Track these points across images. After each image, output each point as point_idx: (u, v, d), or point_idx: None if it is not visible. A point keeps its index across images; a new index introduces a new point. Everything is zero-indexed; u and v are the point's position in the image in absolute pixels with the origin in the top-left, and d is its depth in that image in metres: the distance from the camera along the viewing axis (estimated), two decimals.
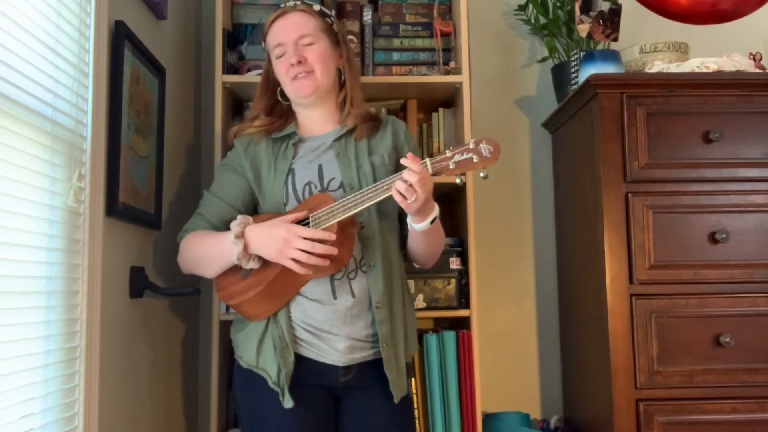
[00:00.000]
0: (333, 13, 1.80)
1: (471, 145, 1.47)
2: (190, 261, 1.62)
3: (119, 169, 1.53)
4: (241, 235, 1.48)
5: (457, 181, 1.50)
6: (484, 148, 1.46)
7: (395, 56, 2.19)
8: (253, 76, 2.05)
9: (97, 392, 1.43)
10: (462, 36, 2.13)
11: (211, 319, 1.96)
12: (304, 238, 1.43)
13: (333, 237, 1.45)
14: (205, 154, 2.33)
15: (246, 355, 1.57)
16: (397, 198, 1.44)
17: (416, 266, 1.78)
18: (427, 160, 1.46)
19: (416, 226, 1.54)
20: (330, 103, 1.69)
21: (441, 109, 2.23)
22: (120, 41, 1.57)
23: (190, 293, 1.82)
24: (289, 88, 1.65)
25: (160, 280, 1.84)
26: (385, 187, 1.46)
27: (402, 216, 1.68)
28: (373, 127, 1.69)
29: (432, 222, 1.53)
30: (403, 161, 1.44)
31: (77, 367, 1.39)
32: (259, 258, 1.50)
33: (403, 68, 2.18)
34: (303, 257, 1.43)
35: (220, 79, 2.03)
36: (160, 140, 1.85)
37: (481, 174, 1.47)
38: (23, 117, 1.19)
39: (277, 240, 1.45)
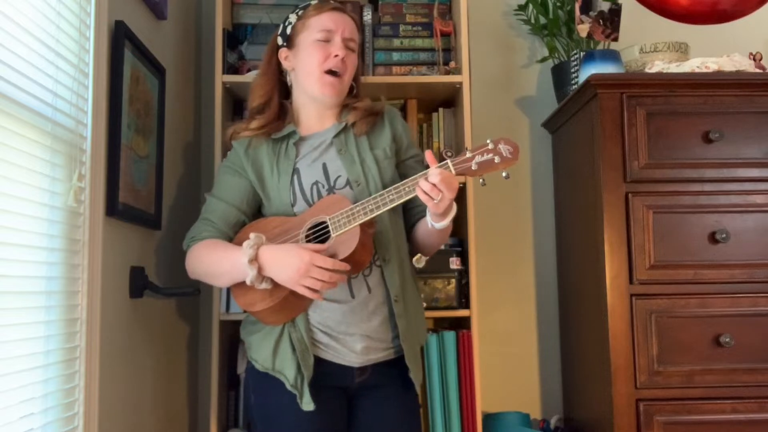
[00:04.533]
0: None
1: (490, 146, 1.46)
2: (200, 272, 1.60)
3: (119, 169, 1.53)
4: (255, 258, 1.46)
5: (480, 181, 1.49)
6: (504, 148, 1.45)
7: (395, 56, 2.19)
8: (253, 76, 2.05)
9: (97, 392, 1.43)
10: (462, 36, 2.13)
11: (211, 319, 1.96)
12: (321, 267, 1.43)
13: (348, 268, 1.46)
14: (205, 154, 2.33)
15: (261, 357, 1.56)
16: (424, 198, 1.44)
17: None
18: (449, 161, 1.46)
19: (437, 224, 1.54)
20: (338, 106, 1.69)
21: (441, 109, 2.23)
22: (120, 41, 1.56)
23: (190, 293, 1.82)
24: (318, 82, 1.60)
25: (160, 280, 1.84)
26: (407, 190, 1.47)
27: (407, 206, 1.68)
28: (373, 121, 1.67)
29: (451, 219, 1.55)
30: (427, 157, 1.45)
31: (77, 367, 1.39)
32: (272, 279, 1.49)
33: (403, 68, 2.18)
34: (318, 286, 1.44)
35: (220, 79, 2.03)
36: (160, 140, 1.85)
37: (503, 174, 1.46)
38: (23, 117, 1.19)
39: (292, 268, 1.44)
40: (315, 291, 1.46)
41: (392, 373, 1.59)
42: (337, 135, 1.64)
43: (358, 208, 1.48)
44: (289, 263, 1.45)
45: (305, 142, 1.65)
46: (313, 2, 1.67)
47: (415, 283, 1.67)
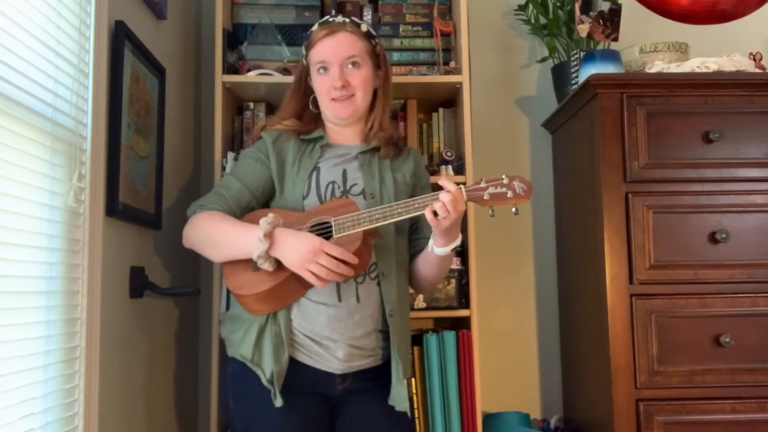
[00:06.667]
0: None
1: (505, 181, 1.51)
2: (200, 239, 1.59)
3: (119, 169, 1.53)
4: (269, 235, 1.47)
5: (489, 212, 1.52)
6: (518, 185, 1.50)
7: (395, 56, 2.20)
8: (253, 76, 2.05)
9: (97, 392, 1.43)
10: (462, 36, 2.13)
11: (211, 319, 1.96)
12: (329, 255, 1.44)
13: (356, 261, 1.46)
14: (205, 154, 2.33)
15: (243, 348, 1.57)
16: (429, 216, 1.46)
17: (410, 290, 1.78)
18: (462, 186, 1.50)
19: (438, 249, 1.57)
20: (361, 122, 1.71)
21: (441, 109, 2.23)
22: (120, 41, 1.57)
23: (190, 293, 1.82)
24: (328, 107, 1.66)
25: (160, 280, 1.84)
26: (417, 206, 1.49)
27: (411, 237, 1.72)
28: (396, 149, 1.71)
29: (452, 249, 1.57)
30: (440, 182, 1.48)
31: (77, 367, 1.39)
32: (275, 261, 1.49)
33: (403, 68, 2.18)
34: (323, 273, 1.44)
35: (220, 79, 2.03)
36: (160, 140, 1.85)
37: (513, 210, 1.51)
38: (23, 117, 1.20)
39: (302, 251, 1.45)
40: (319, 280, 1.45)
41: (375, 378, 1.59)
42: (363, 152, 1.67)
43: (364, 215, 1.50)
44: (300, 246, 1.45)
45: (331, 149, 1.68)
46: (316, 26, 1.67)
47: (408, 309, 1.68)
